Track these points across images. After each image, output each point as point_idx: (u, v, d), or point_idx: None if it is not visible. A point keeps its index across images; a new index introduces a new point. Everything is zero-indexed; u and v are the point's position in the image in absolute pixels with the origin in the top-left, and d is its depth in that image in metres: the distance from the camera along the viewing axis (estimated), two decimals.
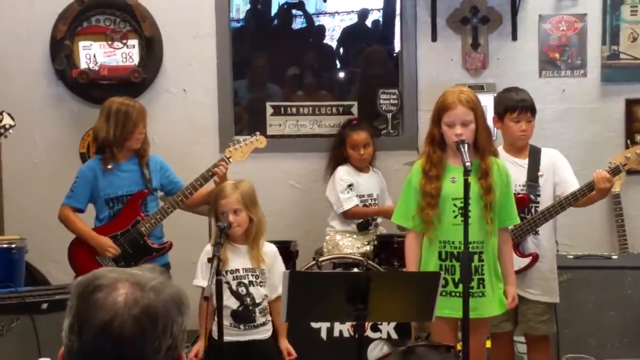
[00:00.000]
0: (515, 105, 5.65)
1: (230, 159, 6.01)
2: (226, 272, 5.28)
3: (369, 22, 9.51)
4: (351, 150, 6.89)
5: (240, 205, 5.29)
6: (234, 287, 5.25)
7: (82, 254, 5.96)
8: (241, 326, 5.27)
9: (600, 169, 5.52)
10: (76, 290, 1.97)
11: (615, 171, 5.47)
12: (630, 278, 6.04)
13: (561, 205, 5.53)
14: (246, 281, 5.31)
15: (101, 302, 1.91)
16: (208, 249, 5.35)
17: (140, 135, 5.94)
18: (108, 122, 5.89)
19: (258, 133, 6.21)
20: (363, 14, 9.48)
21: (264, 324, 5.36)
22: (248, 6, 9.62)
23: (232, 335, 5.20)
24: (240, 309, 5.27)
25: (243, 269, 5.31)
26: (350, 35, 9.41)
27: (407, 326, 6.01)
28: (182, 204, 5.93)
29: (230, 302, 5.24)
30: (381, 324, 5.98)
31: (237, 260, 5.27)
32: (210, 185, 5.97)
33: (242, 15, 9.61)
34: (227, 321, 5.25)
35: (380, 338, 5.99)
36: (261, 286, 5.33)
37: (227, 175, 5.92)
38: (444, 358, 2.14)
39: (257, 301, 5.31)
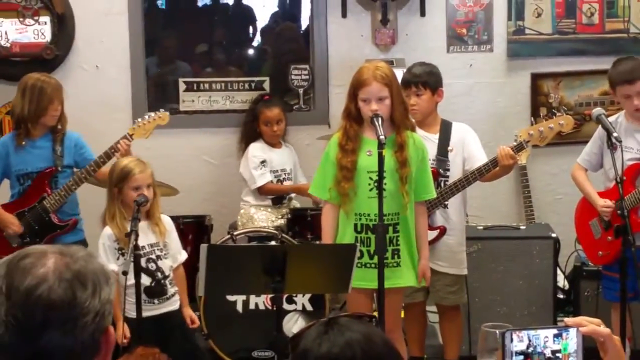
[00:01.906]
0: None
1: (133, 137, 6.01)
2: None
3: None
4: (264, 126, 6.91)
5: (152, 180, 5.37)
6: (143, 264, 5.24)
7: None
8: (156, 301, 5.34)
9: (507, 142, 5.63)
10: (3, 265, 1.96)
11: (518, 148, 5.54)
12: (537, 248, 6.21)
13: (467, 179, 5.62)
14: (154, 256, 5.37)
15: (29, 267, 1.92)
16: (108, 232, 5.35)
17: (55, 112, 5.94)
18: (24, 98, 5.90)
19: (162, 110, 6.21)
20: None
21: (174, 294, 5.46)
22: None
23: (148, 310, 5.24)
24: (153, 284, 5.33)
25: (148, 245, 5.35)
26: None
27: (322, 298, 6.09)
28: (85, 181, 5.90)
29: (142, 279, 5.25)
30: (296, 296, 6.05)
31: (141, 237, 5.19)
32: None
33: None
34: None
35: (295, 310, 6.09)
36: (166, 258, 5.41)
37: (132, 151, 5.93)
38: (368, 328, 2.21)
39: (167, 274, 5.40)
